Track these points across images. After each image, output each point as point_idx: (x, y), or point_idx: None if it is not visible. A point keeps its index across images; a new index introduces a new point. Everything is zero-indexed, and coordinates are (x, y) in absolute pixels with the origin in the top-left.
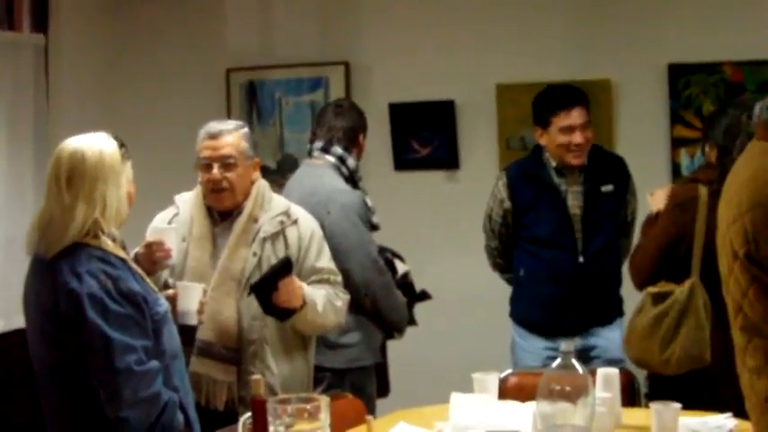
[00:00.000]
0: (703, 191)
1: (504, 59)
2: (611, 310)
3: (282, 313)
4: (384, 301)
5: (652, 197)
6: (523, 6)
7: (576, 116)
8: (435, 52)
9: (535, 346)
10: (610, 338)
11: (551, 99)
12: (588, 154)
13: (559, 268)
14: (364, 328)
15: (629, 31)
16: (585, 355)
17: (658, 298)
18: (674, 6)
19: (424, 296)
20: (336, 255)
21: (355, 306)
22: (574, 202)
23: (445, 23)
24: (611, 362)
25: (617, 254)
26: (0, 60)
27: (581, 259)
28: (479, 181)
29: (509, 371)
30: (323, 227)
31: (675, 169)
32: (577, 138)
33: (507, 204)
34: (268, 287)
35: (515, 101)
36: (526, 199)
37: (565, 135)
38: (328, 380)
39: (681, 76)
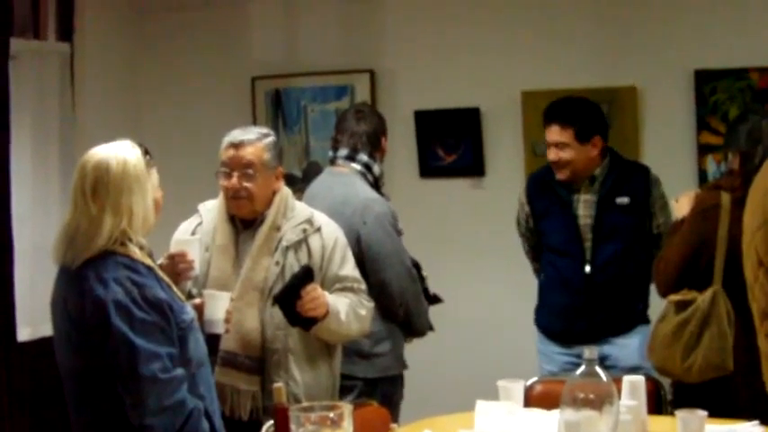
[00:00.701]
0: (726, 198)
1: (530, 66)
2: (626, 320)
3: (307, 322)
4: (415, 310)
5: (677, 203)
6: (549, 13)
7: (550, 133)
8: (460, 59)
9: (553, 352)
10: (625, 347)
11: (545, 112)
12: (607, 164)
13: (568, 277)
14: (394, 336)
15: (655, 37)
16: (603, 364)
17: (681, 306)
18: (701, 12)
19: (437, 299)
20: (373, 265)
21: (387, 315)
22: (585, 212)
23: (470, 30)
24: (625, 370)
25: (634, 264)
26: (26, 69)
27: (588, 269)
28: (505, 188)
29: (534, 378)
30: (359, 237)
31: (702, 176)
32: (551, 154)
33: (527, 209)
34: (291, 297)
35: (541, 108)
36: (541, 206)
37: (548, 151)
38: (360, 389)
39: (707, 83)
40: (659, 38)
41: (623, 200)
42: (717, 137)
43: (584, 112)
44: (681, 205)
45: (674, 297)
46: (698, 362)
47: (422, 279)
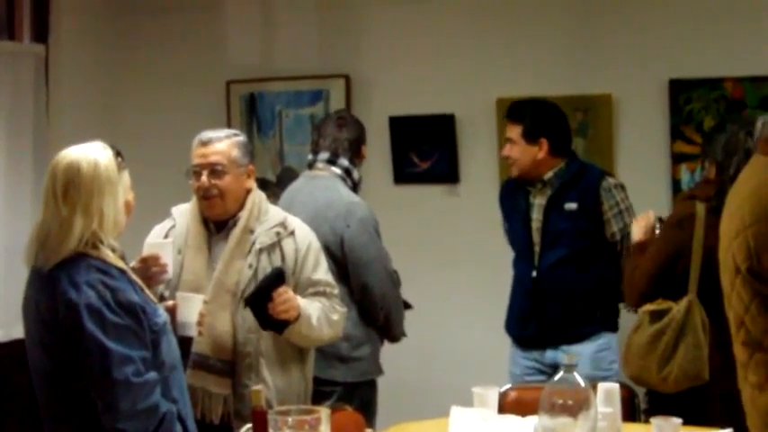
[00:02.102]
0: (701, 208)
1: (505, 74)
2: (577, 326)
3: (278, 325)
4: (395, 314)
5: (635, 225)
6: (524, 21)
7: (507, 129)
8: (436, 66)
9: (517, 355)
10: (577, 355)
11: None
12: (561, 169)
13: (519, 280)
14: (373, 341)
15: (631, 45)
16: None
17: (656, 316)
18: (676, 22)
19: (406, 306)
20: (356, 269)
21: (367, 319)
22: (537, 216)
23: (446, 37)
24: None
25: (583, 271)
26: (0, 70)
27: (534, 273)
28: (479, 195)
29: (508, 385)
30: (342, 240)
31: (676, 185)
32: (503, 150)
33: (501, 212)
34: (262, 299)
35: None
36: (506, 211)
37: None
38: (339, 393)
39: (682, 92)
40: (635, 47)
41: (571, 205)
42: (691, 146)
43: (535, 113)
44: (638, 228)
45: (649, 307)
46: (674, 372)
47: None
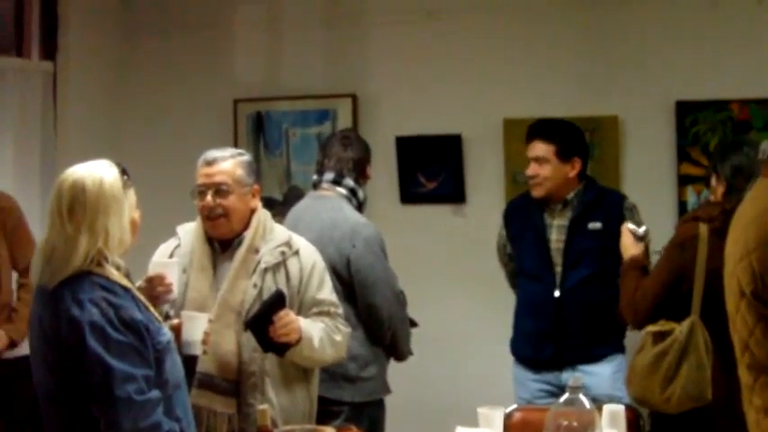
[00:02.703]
0: (704, 229)
1: (512, 94)
2: (598, 346)
3: (280, 348)
4: (401, 333)
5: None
6: (532, 42)
7: (532, 148)
8: (443, 86)
9: (526, 378)
10: (595, 375)
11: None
12: (581, 190)
13: (537, 301)
14: (380, 361)
15: (637, 67)
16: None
17: (658, 337)
18: (683, 44)
19: (412, 324)
20: (363, 289)
21: (374, 339)
22: (557, 237)
23: (453, 58)
24: (597, 399)
25: (605, 291)
26: (9, 87)
27: (557, 293)
28: (486, 216)
29: (514, 406)
30: (348, 261)
31: (682, 207)
32: (529, 170)
33: (503, 233)
34: (263, 322)
35: (523, 136)
36: (515, 231)
37: (528, 167)
38: (346, 414)
39: (688, 114)
40: (641, 69)
41: (596, 225)
42: (697, 168)
43: (567, 132)
44: (627, 245)
45: (652, 328)
46: (677, 393)
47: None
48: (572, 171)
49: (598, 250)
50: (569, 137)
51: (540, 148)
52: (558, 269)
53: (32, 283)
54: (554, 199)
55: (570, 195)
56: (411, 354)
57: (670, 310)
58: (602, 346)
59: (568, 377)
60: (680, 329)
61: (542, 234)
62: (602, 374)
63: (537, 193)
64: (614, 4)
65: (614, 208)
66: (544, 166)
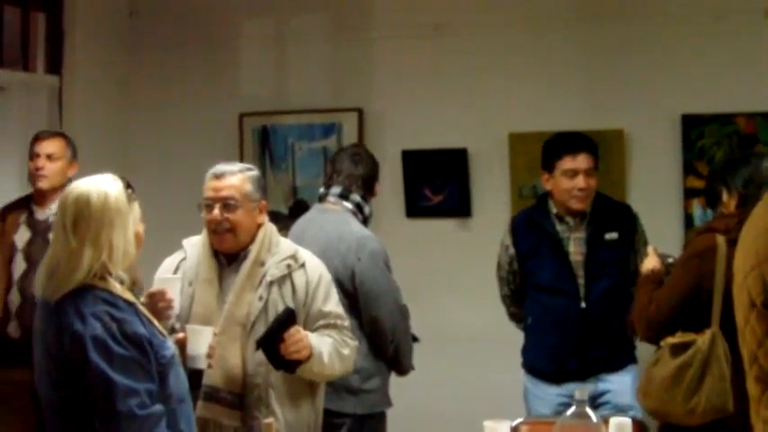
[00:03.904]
0: (721, 240)
1: (518, 108)
2: (620, 356)
3: (290, 365)
4: (404, 347)
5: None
6: (538, 56)
7: (580, 161)
8: (449, 100)
9: (546, 393)
10: (621, 383)
11: (559, 144)
12: (593, 202)
13: (562, 314)
14: (382, 373)
15: (643, 81)
16: (595, 401)
17: (679, 348)
18: (688, 58)
19: (414, 339)
20: (366, 302)
21: (377, 352)
22: (576, 249)
23: (459, 72)
24: (621, 408)
25: (625, 300)
26: (14, 100)
27: (583, 305)
28: (491, 230)
29: (520, 419)
30: (353, 273)
31: (688, 220)
32: (580, 182)
33: (512, 251)
34: (274, 340)
35: (528, 150)
36: (528, 246)
37: (569, 179)
38: (348, 426)
39: (694, 127)
40: (647, 82)
41: (612, 235)
42: (703, 181)
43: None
44: (651, 258)
45: (672, 340)
46: (701, 404)
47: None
48: (595, 184)
49: (616, 261)
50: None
51: (590, 161)
52: (581, 281)
53: (36, 296)
54: (571, 212)
55: (588, 208)
56: (413, 368)
57: (687, 321)
58: (624, 355)
59: (593, 387)
60: (702, 340)
61: (561, 247)
62: (626, 383)
63: (582, 205)
64: (619, 19)
65: (629, 217)
66: (593, 178)
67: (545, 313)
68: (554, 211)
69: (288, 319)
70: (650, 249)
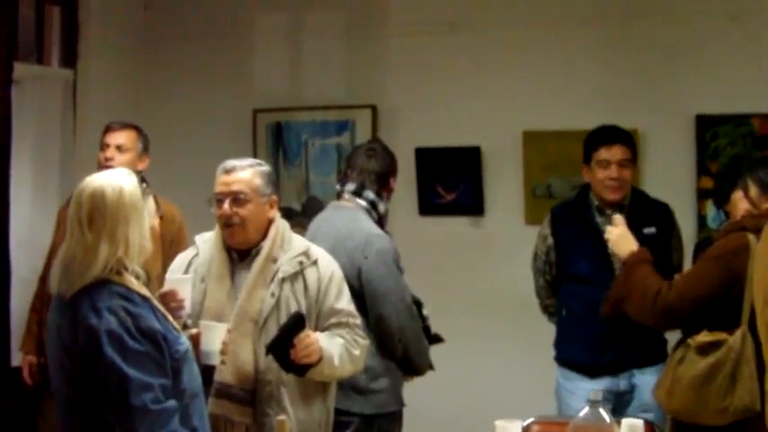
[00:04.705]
0: (753, 239)
1: (532, 107)
2: (653, 352)
3: (301, 369)
4: (414, 347)
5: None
6: (551, 55)
7: (614, 152)
8: (462, 98)
9: (578, 387)
10: (651, 382)
11: (596, 136)
12: (631, 196)
13: (597, 305)
14: (392, 373)
15: (657, 81)
16: (629, 396)
17: (709, 347)
18: (703, 58)
19: (438, 339)
20: (372, 300)
21: (386, 351)
22: None
23: (473, 70)
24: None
25: None
26: (28, 94)
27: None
28: (504, 228)
29: (531, 419)
30: (359, 271)
31: (701, 221)
32: (613, 172)
33: (550, 241)
34: (284, 345)
35: (542, 148)
36: (567, 236)
37: (603, 169)
38: (356, 425)
39: (708, 128)
40: (661, 82)
41: (651, 230)
42: None
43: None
44: (623, 239)
45: (702, 338)
46: (734, 404)
47: (423, 318)
48: (632, 176)
49: (655, 255)
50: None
51: (624, 152)
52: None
53: (51, 291)
54: (608, 203)
55: (627, 200)
56: (432, 368)
57: (714, 319)
58: (657, 352)
59: (625, 383)
60: (733, 339)
61: (600, 238)
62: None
63: (616, 196)
64: (634, 18)
65: (666, 215)
66: (627, 170)
67: (582, 304)
68: (595, 203)
69: (297, 323)
70: (618, 217)
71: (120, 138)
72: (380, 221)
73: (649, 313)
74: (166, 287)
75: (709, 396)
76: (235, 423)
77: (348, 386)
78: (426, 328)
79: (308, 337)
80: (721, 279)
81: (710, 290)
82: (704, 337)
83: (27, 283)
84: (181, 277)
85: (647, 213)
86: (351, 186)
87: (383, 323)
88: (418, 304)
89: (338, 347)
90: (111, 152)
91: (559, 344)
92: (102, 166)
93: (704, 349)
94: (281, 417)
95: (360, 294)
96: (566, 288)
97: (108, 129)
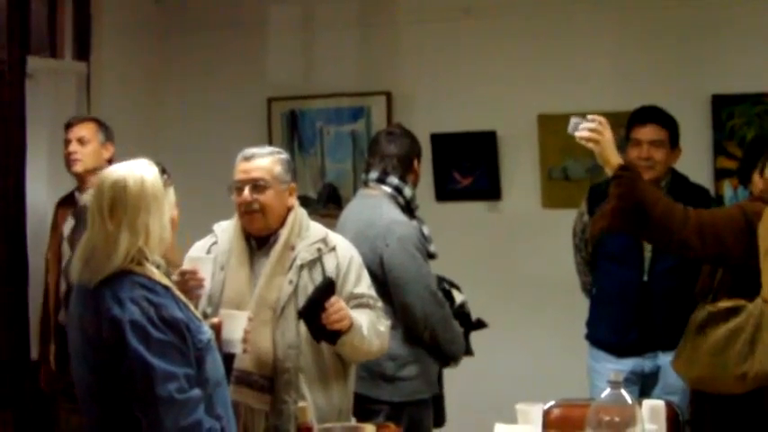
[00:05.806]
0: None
1: (547, 90)
2: (680, 334)
3: (332, 336)
4: (443, 334)
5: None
6: (566, 37)
7: (646, 131)
8: (477, 83)
9: (607, 369)
10: None
11: (633, 115)
12: (671, 179)
13: (625, 285)
14: (422, 360)
15: (673, 61)
16: (654, 378)
17: (729, 312)
18: (718, 37)
19: (481, 325)
20: (395, 288)
21: (413, 339)
22: None
23: (487, 54)
24: (670, 391)
25: (691, 280)
26: (42, 87)
27: (645, 278)
28: (521, 212)
29: (552, 402)
30: (381, 259)
31: (719, 201)
32: (643, 152)
33: (586, 218)
34: (315, 310)
35: (557, 131)
36: None
37: (635, 148)
38: (386, 413)
39: (724, 107)
40: (677, 63)
41: None
42: (734, 161)
43: (674, 121)
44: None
45: (722, 304)
46: (754, 368)
47: (454, 302)
48: (674, 159)
49: None
50: (676, 126)
51: (656, 132)
52: (648, 254)
53: (72, 282)
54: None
55: (663, 183)
56: (469, 354)
57: (735, 287)
58: (681, 334)
59: (650, 364)
60: (753, 305)
61: None
62: None
63: (647, 176)
64: (648, 0)
65: (703, 200)
66: (659, 150)
67: (610, 283)
68: None
69: (328, 288)
70: (599, 117)
71: (80, 131)
72: (408, 206)
73: (680, 226)
74: (187, 265)
75: (729, 361)
76: (255, 410)
77: (377, 375)
78: (464, 314)
79: (338, 301)
80: (737, 214)
81: (726, 219)
82: (724, 303)
83: (43, 276)
84: (202, 256)
85: (685, 197)
86: (374, 174)
87: (408, 311)
88: (447, 292)
89: (366, 320)
90: (73, 146)
91: (590, 323)
92: (69, 161)
93: (725, 315)
94: (302, 404)
95: (384, 282)
96: (599, 266)
97: (68, 125)
